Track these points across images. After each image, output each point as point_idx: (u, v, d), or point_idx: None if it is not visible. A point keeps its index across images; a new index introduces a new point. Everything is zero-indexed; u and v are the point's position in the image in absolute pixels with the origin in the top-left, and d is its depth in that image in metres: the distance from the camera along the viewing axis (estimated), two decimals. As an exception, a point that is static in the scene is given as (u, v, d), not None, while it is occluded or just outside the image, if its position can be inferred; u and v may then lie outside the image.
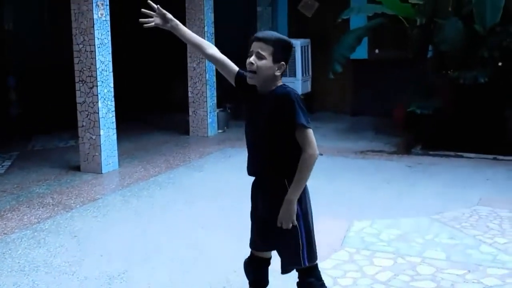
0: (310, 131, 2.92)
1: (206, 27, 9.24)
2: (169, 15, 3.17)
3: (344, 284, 4.01)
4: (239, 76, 3.16)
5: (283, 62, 2.97)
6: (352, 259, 4.45)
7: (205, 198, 6.17)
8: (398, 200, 6.05)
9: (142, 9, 3.15)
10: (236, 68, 3.19)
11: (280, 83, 3.01)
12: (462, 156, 7.91)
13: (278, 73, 2.96)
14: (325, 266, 4.21)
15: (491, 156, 7.78)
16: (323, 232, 4.34)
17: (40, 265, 4.42)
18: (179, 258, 4.54)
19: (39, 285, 4.09)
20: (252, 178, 3.20)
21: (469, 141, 8.20)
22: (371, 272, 4.23)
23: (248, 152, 3.16)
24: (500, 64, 8.10)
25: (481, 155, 7.84)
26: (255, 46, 2.96)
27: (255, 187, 3.19)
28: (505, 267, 4.30)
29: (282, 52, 2.98)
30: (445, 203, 5.84)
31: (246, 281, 3.43)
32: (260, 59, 2.93)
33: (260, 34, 3.01)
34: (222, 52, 3.22)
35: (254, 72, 2.95)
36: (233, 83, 3.20)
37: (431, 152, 8.14)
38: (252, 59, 2.94)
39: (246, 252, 3.39)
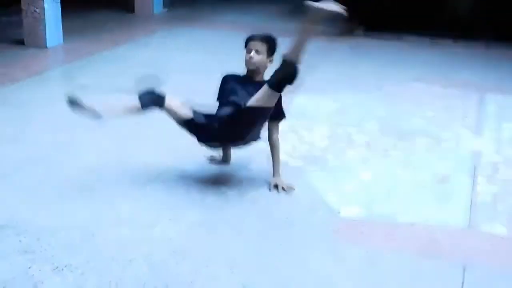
0: None
1: None
2: None
3: (285, 150, 4.20)
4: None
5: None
6: (293, 129, 4.70)
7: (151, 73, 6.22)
8: (339, 79, 6.32)
9: None
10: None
11: None
12: (401, 39, 8.18)
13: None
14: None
15: (428, 39, 8.08)
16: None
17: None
18: (124, 126, 4.62)
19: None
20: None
21: (409, 23, 8.43)
22: (310, 140, 4.52)
23: None
24: None
25: (419, 37, 8.13)
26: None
27: None
28: (430, 136, 4.70)
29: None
30: (382, 81, 6.16)
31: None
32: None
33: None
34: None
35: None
36: None
37: (372, 35, 8.37)
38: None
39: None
